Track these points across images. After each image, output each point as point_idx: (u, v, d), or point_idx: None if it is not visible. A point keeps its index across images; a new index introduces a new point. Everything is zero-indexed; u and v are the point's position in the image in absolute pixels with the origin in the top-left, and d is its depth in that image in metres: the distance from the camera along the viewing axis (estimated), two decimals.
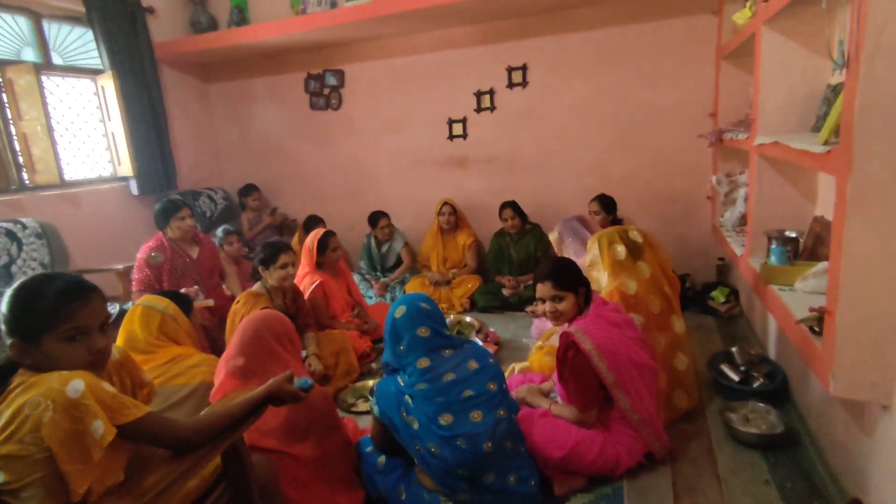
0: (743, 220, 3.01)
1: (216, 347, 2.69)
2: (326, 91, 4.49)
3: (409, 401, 1.59)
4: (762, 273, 2.07)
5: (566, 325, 1.96)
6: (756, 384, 2.25)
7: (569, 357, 1.86)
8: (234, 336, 1.73)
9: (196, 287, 2.82)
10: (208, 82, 4.79)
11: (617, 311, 2.02)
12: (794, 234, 2.21)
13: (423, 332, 1.66)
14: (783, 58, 2.25)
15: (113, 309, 3.14)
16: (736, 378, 2.29)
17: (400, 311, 1.69)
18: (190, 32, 4.39)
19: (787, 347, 2.29)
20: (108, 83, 3.81)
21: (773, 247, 2.12)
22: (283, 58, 4.50)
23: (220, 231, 3.74)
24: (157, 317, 1.98)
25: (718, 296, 3.31)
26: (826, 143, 1.53)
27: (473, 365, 1.65)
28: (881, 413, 1.40)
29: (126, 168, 3.99)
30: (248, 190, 4.45)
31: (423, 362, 1.62)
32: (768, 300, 2.03)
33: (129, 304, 2.37)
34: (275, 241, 2.68)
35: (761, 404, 2.11)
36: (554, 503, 1.77)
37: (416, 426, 1.57)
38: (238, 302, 2.50)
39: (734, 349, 2.43)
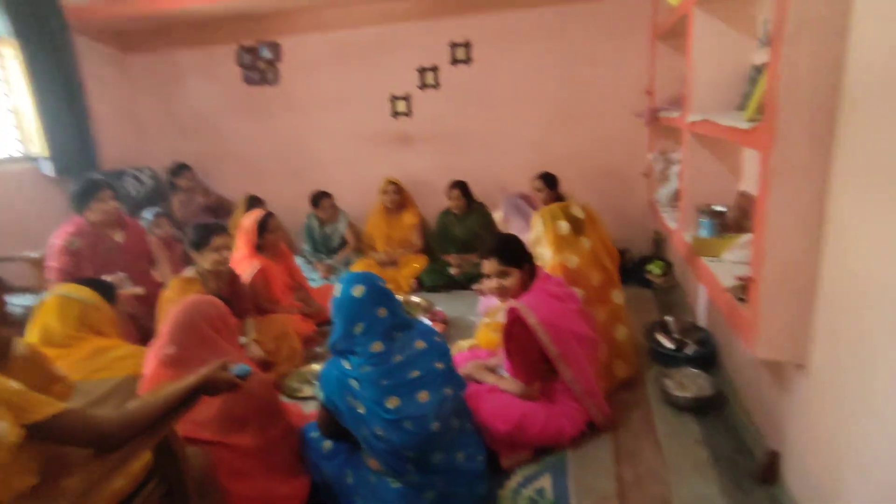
0: (676, 196, 3.14)
1: (146, 338, 2.50)
2: (262, 65, 4.25)
3: (356, 385, 1.54)
4: (693, 245, 2.17)
5: (512, 300, 1.99)
6: (689, 351, 2.38)
7: (514, 332, 1.88)
8: (165, 323, 1.62)
9: (123, 274, 2.63)
10: (129, 53, 4.41)
11: (560, 285, 2.06)
12: (721, 209, 2.32)
13: (382, 312, 1.59)
14: (713, 38, 2.32)
15: (27, 301, 2.88)
16: (670, 346, 2.42)
17: (359, 290, 1.58)
18: None
19: (716, 315, 2.43)
20: (9, 52, 3.43)
21: (702, 220, 2.22)
22: (212, 27, 4.20)
23: (148, 213, 3.50)
24: (76, 307, 1.82)
25: (655, 268, 3.46)
26: (751, 119, 1.60)
27: (420, 345, 1.63)
28: (796, 372, 1.52)
29: (38, 147, 3.63)
30: (179, 169, 4.17)
31: (377, 346, 1.56)
32: (699, 271, 2.13)
33: (45, 296, 2.17)
34: (207, 223, 2.54)
35: (694, 370, 2.24)
36: (501, 477, 1.80)
37: (361, 410, 1.53)
38: (169, 288, 2.36)
39: (669, 318, 2.56)
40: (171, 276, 2.91)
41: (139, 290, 2.57)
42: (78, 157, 3.74)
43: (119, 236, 2.79)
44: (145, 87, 4.47)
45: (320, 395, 1.61)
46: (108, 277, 2.47)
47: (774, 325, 1.44)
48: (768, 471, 1.66)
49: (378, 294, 1.61)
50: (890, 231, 1.07)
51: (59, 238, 2.66)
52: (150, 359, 1.55)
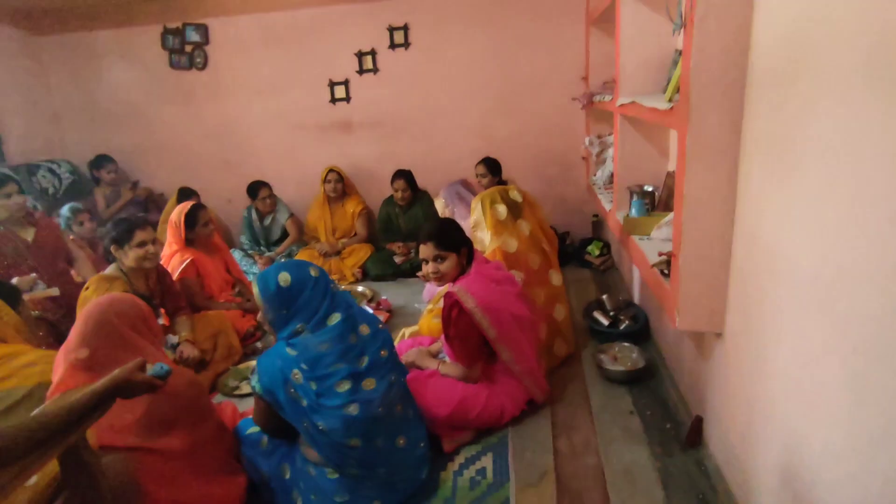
0: (612, 179, 3.23)
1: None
2: (189, 48, 4.02)
3: (298, 377, 1.49)
4: (624, 225, 2.24)
5: (450, 285, 1.98)
6: (623, 326, 2.47)
7: (453, 316, 1.88)
8: (75, 325, 1.50)
9: (33, 275, 2.43)
10: (39, 35, 4.05)
11: (498, 268, 2.08)
12: (651, 188, 2.41)
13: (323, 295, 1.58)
14: (639, 23, 2.39)
15: None
16: (606, 322, 2.50)
17: (284, 279, 1.54)
18: None
19: (647, 291, 2.54)
20: None
21: (633, 200, 2.30)
22: (133, 7, 3.91)
23: (65, 210, 3.26)
24: None
25: (594, 249, 3.57)
26: (670, 100, 1.66)
27: (365, 330, 1.60)
28: (715, 340, 1.60)
29: None
30: (101, 161, 3.90)
31: (336, 317, 1.56)
32: (630, 249, 2.21)
33: None
34: (128, 217, 2.38)
35: (627, 344, 2.32)
36: (443, 460, 1.81)
37: (304, 403, 1.49)
38: (87, 288, 2.20)
39: (605, 297, 2.64)
40: (92, 275, 2.72)
41: (53, 291, 2.39)
42: None
43: (28, 234, 2.58)
44: (59, 72, 4.13)
45: (257, 386, 1.54)
46: (16, 279, 2.28)
47: (693, 297, 1.51)
48: (693, 435, 1.75)
49: (324, 279, 1.61)
50: (791, 205, 1.13)
51: None
52: (59, 363, 1.43)
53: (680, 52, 2.16)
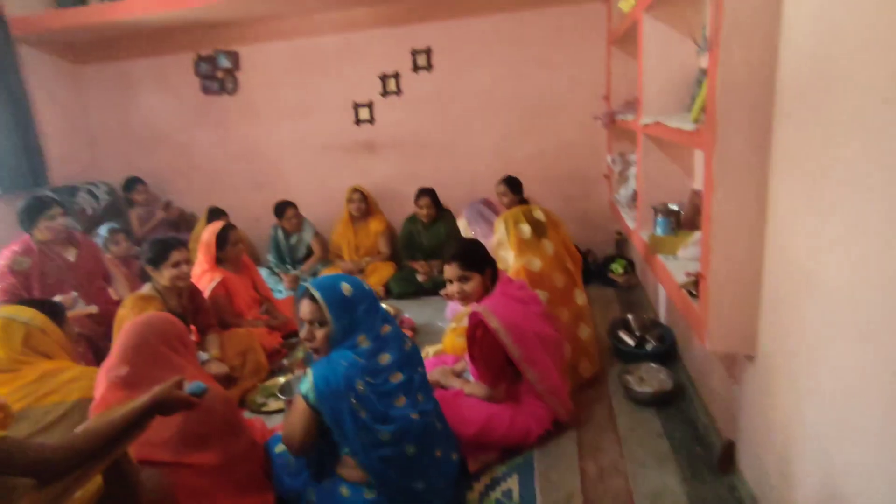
0: (635, 196, 3.22)
1: (102, 359, 2.43)
2: (220, 74, 4.18)
3: (363, 388, 1.46)
4: (650, 244, 2.23)
5: (474, 304, 2.00)
6: (649, 347, 2.44)
7: (477, 336, 1.90)
8: (116, 343, 1.57)
9: (74, 294, 2.53)
10: (80, 64, 4.28)
11: (522, 288, 2.09)
12: (676, 207, 2.39)
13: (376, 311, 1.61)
14: (662, 43, 2.41)
15: None
16: (631, 343, 2.47)
17: (348, 289, 1.56)
18: (53, 6, 3.87)
19: (674, 311, 2.51)
20: None
21: (658, 219, 2.29)
22: (167, 37, 4.11)
23: (103, 230, 3.39)
24: (20, 329, 1.74)
25: (617, 268, 3.54)
26: (696, 121, 1.66)
27: (409, 344, 1.64)
28: (747, 363, 1.57)
29: None
30: (132, 184, 4.06)
31: (386, 328, 1.57)
32: (656, 268, 2.19)
33: None
34: (164, 238, 2.47)
35: (654, 365, 2.29)
36: (469, 480, 1.81)
37: (363, 415, 1.45)
38: (125, 307, 2.28)
39: (630, 316, 2.62)
40: (127, 293, 2.82)
41: (92, 308, 2.48)
42: (24, 173, 3.60)
43: (70, 254, 2.69)
44: (98, 98, 4.34)
45: (310, 395, 1.45)
46: (59, 297, 2.38)
47: (723, 317, 1.50)
48: (725, 460, 1.71)
49: (373, 293, 1.63)
50: (824, 225, 1.12)
51: (4, 258, 2.54)
52: (101, 380, 1.49)
53: (704, 71, 2.17)
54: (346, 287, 1.56)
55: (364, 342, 1.53)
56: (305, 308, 1.56)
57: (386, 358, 1.53)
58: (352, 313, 1.53)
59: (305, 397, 1.48)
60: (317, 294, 1.54)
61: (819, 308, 1.16)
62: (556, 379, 1.97)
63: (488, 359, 1.90)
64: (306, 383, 1.49)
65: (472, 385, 2.00)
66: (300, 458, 1.65)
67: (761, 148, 1.38)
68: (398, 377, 1.53)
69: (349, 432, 1.45)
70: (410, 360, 1.60)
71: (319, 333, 1.55)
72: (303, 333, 1.59)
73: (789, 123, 1.27)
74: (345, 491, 1.56)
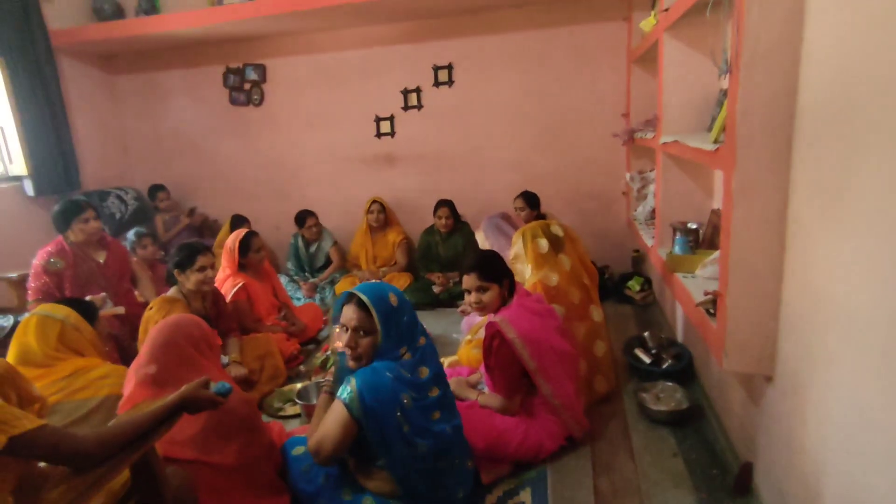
0: (653, 214, 3.23)
1: (127, 358, 2.50)
2: (247, 86, 4.31)
3: (408, 401, 1.45)
4: (668, 262, 2.24)
5: (491, 315, 2.02)
6: (665, 365, 2.43)
7: (494, 346, 1.92)
8: (146, 342, 1.63)
9: (104, 294, 2.62)
10: (115, 74, 4.45)
11: (539, 301, 2.11)
12: (694, 226, 2.40)
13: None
14: (682, 63, 2.44)
15: (6, 321, 2.85)
16: (647, 360, 2.47)
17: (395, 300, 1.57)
18: (92, 20, 4.05)
19: (691, 330, 2.50)
20: None
21: (677, 237, 2.29)
22: (198, 50, 4.27)
23: (131, 234, 3.50)
24: (55, 326, 1.82)
25: (634, 285, 3.53)
26: (716, 141, 1.68)
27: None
28: (766, 384, 1.57)
29: (19, 166, 3.63)
30: (155, 191, 4.20)
31: (423, 339, 1.58)
32: (674, 287, 2.19)
33: (25, 315, 2.16)
34: (191, 243, 2.55)
35: (670, 383, 2.28)
36: (482, 492, 1.81)
37: (406, 429, 1.44)
38: (151, 308, 2.35)
39: (646, 334, 2.61)
40: (153, 296, 2.90)
41: (120, 309, 2.56)
42: (60, 176, 3.74)
43: (101, 256, 2.79)
44: (131, 108, 4.51)
45: (353, 406, 1.40)
46: (89, 297, 2.46)
47: (741, 338, 1.50)
48: (742, 482, 1.69)
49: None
50: (844, 248, 1.13)
51: (39, 258, 2.65)
52: (131, 378, 1.55)
53: (725, 92, 2.19)
54: (392, 297, 1.54)
55: (406, 354, 1.51)
56: (351, 315, 1.52)
57: (425, 372, 1.52)
58: (398, 324, 1.51)
59: (348, 407, 1.42)
60: (367, 302, 1.50)
61: (839, 329, 1.16)
62: (571, 394, 1.98)
63: (504, 370, 1.92)
64: (348, 392, 1.43)
65: (487, 396, 2.01)
66: (319, 465, 1.60)
67: (781, 169, 1.39)
68: (435, 392, 1.53)
69: (392, 446, 1.42)
70: (443, 375, 1.61)
71: (364, 342, 1.51)
72: (344, 340, 1.53)
73: (809, 145, 1.28)
74: (369, 502, 1.54)
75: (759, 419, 1.64)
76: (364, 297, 1.52)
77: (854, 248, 1.09)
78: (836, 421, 1.19)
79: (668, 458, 1.93)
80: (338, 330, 1.59)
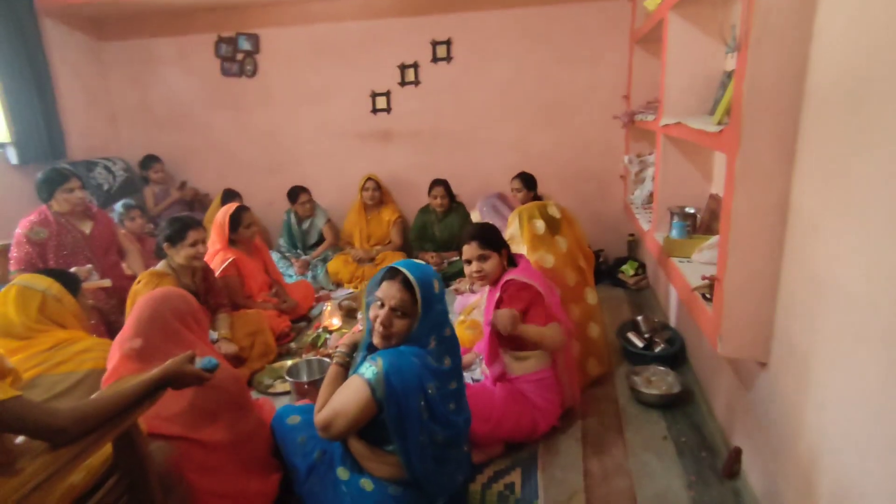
0: (651, 198, 3.20)
1: (114, 332, 2.44)
2: (240, 56, 4.19)
3: (433, 389, 1.41)
4: (664, 246, 2.21)
5: (489, 287, 2.02)
6: (658, 349, 2.43)
7: (512, 291, 1.90)
8: (130, 316, 1.58)
9: (89, 266, 2.55)
10: (102, 40, 4.29)
11: (543, 274, 2.11)
12: (692, 210, 2.37)
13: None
14: (687, 43, 2.37)
15: None
16: (640, 344, 2.46)
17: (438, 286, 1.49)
18: None
19: (684, 314, 2.49)
20: None
21: (674, 222, 2.26)
22: (189, 17, 4.12)
23: (119, 206, 3.42)
24: (36, 298, 1.77)
25: (628, 269, 3.52)
26: (719, 123, 1.64)
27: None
28: (759, 369, 1.56)
29: (1, 133, 3.52)
30: (149, 161, 4.09)
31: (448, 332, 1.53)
32: (670, 271, 2.17)
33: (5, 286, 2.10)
34: (182, 217, 2.49)
35: (662, 367, 2.28)
36: (472, 472, 1.81)
37: (425, 416, 1.40)
38: (139, 282, 2.30)
39: (640, 318, 2.61)
40: (142, 269, 2.85)
41: (106, 282, 2.51)
42: (44, 144, 3.64)
43: (87, 227, 2.72)
44: (120, 75, 4.36)
45: (379, 387, 1.34)
46: (74, 269, 2.40)
47: (737, 323, 1.48)
48: (730, 466, 1.70)
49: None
50: (847, 233, 1.11)
51: (22, 227, 2.58)
52: (115, 352, 1.51)
53: (730, 74, 2.14)
54: (436, 284, 1.47)
55: (433, 343, 1.46)
56: (394, 293, 1.43)
57: (448, 362, 1.48)
58: (435, 312, 1.45)
59: (372, 388, 1.35)
60: (416, 285, 1.42)
61: (837, 316, 1.14)
62: (572, 358, 1.98)
63: (536, 304, 1.88)
64: (373, 372, 1.36)
65: (550, 328, 1.88)
66: (324, 439, 1.50)
67: (786, 152, 1.35)
68: (453, 385, 1.50)
69: (409, 433, 1.38)
70: (461, 369, 1.58)
71: (400, 324, 1.43)
72: (382, 316, 1.43)
73: (816, 128, 1.24)
74: (367, 485, 1.49)
75: (751, 404, 1.64)
76: (412, 279, 1.43)
77: (858, 233, 1.06)
78: (830, 408, 1.18)
79: (658, 440, 1.93)
80: (375, 304, 1.49)
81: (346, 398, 1.39)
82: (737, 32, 1.47)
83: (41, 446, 1.05)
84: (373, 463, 1.49)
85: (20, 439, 1.09)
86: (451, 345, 1.53)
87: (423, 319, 1.42)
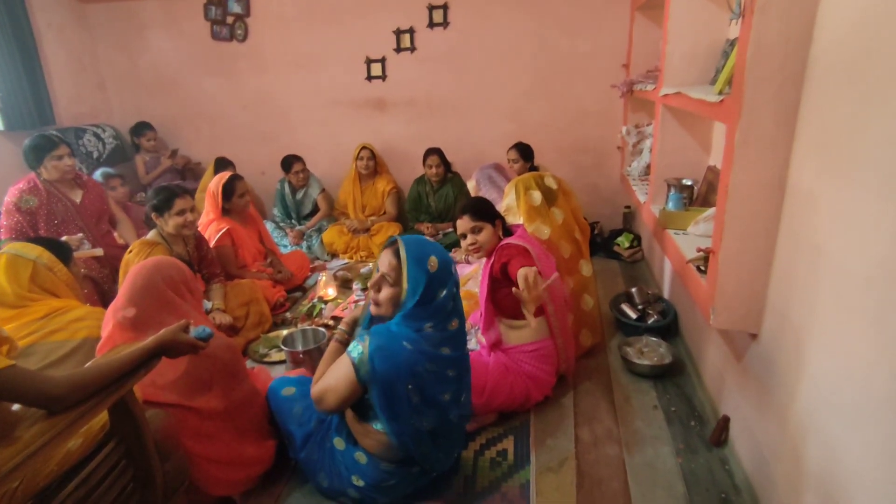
0: (648, 170, 3.17)
1: (106, 301, 2.46)
2: (230, 19, 4.05)
3: (422, 373, 1.39)
4: (660, 218, 2.20)
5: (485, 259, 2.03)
6: (650, 321, 2.45)
7: (509, 252, 1.89)
8: (124, 284, 1.57)
9: (81, 235, 2.53)
10: (87, 2, 4.14)
11: (540, 244, 2.11)
12: (689, 182, 2.36)
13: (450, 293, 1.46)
14: (690, 9, 2.31)
15: None
16: (633, 316, 2.48)
17: (434, 264, 1.42)
18: None
19: (678, 286, 2.50)
20: None
21: (671, 194, 2.25)
22: None
23: (98, 174, 3.35)
24: (27, 266, 1.75)
25: (623, 241, 3.52)
26: (720, 92, 1.61)
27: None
28: (750, 341, 1.58)
29: None
30: (141, 129, 4.01)
31: (455, 323, 1.46)
32: (665, 243, 2.17)
33: None
34: (168, 185, 2.46)
35: (654, 338, 2.31)
36: (466, 439, 1.84)
37: (416, 400, 1.39)
38: (131, 251, 2.28)
39: (633, 290, 2.62)
40: (133, 238, 2.82)
41: (98, 251, 2.49)
42: (31, 111, 3.55)
43: (77, 196, 2.68)
44: (106, 39, 4.22)
45: (363, 368, 1.35)
46: (66, 238, 2.38)
47: (731, 295, 1.49)
48: (718, 434, 1.74)
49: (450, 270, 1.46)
50: (846, 206, 1.10)
51: (11, 195, 2.53)
52: (108, 320, 1.51)
53: (732, 43, 2.09)
54: (433, 261, 1.40)
55: (429, 329, 1.41)
56: (385, 259, 1.44)
57: (447, 350, 1.45)
58: (431, 295, 1.39)
59: (356, 369, 1.36)
60: (402, 252, 1.40)
61: (831, 290, 1.15)
62: (567, 324, 2.01)
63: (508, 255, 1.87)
64: (358, 352, 1.37)
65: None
66: (326, 412, 1.52)
67: (787, 123, 1.34)
68: (451, 372, 1.47)
69: (398, 415, 1.39)
70: (464, 362, 1.54)
71: (388, 291, 1.43)
72: (372, 280, 1.46)
73: (820, 99, 1.22)
74: (361, 458, 1.52)
75: (740, 375, 1.67)
76: (401, 244, 1.42)
77: (856, 208, 1.06)
78: (819, 381, 1.20)
79: (649, 409, 1.97)
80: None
81: (335, 375, 1.42)
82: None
83: (38, 413, 1.05)
84: (364, 439, 1.51)
85: (16, 407, 1.09)
86: (451, 337, 1.45)
87: (411, 292, 1.39)
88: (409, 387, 1.37)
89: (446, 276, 1.43)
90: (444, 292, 1.42)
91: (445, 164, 3.75)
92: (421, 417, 1.42)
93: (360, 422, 1.51)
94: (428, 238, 1.59)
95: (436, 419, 1.47)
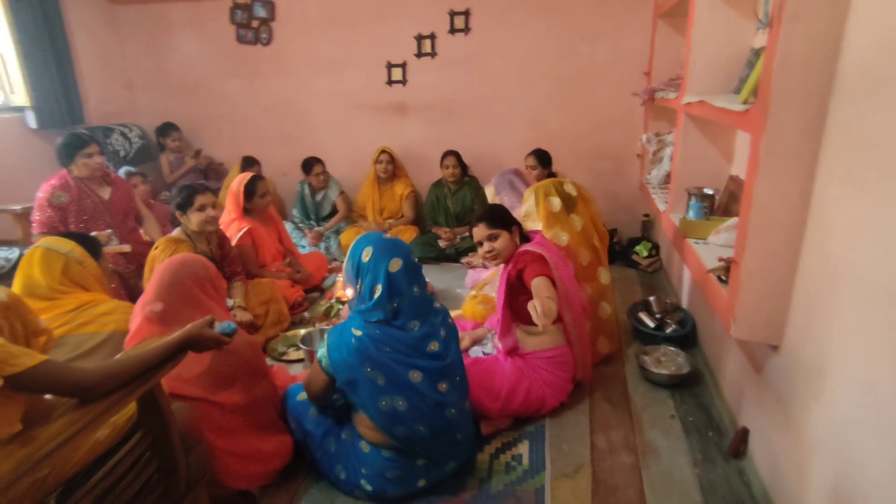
0: (668, 179, 3.15)
1: (133, 296, 2.52)
2: (255, 23, 4.14)
3: (379, 354, 1.47)
4: (680, 227, 2.19)
5: (504, 265, 2.03)
6: (669, 330, 2.43)
7: (527, 259, 1.90)
8: (152, 280, 1.62)
9: (109, 231, 2.60)
10: (117, 3, 4.26)
11: (558, 250, 2.11)
12: (711, 192, 2.34)
13: (416, 292, 1.54)
14: (715, 18, 2.30)
15: (11, 254, 2.85)
16: (651, 324, 2.47)
17: (396, 265, 1.50)
18: None
19: (697, 296, 2.48)
20: None
21: (691, 203, 2.24)
22: None
23: (121, 173, 3.43)
24: (60, 260, 1.80)
25: (642, 250, 3.50)
26: (745, 102, 1.61)
27: (442, 332, 1.59)
28: (770, 353, 1.56)
29: (21, 97, 3.54)
30: (167, 129, 4.10)
31: (414, 325, 1.53)
32: (685, 252, 2.16)
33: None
34: (189, 184, 2.53)
35: (672, 348, 2.29)
36: (480, 443, 1.85)
37: (381, 382, 1.47)
38: (157, 248, 2.34)
39: (652, 298, 2.60)
40: (159, 234, 2.89)
41: (126, 247, 2.55)
42: (62, 109, 3.66)
43: (105, 193, 2.75)
44: (135, 41, 4.34)
45: (324, 360, 1.52)
46: (95, 233, 2.45)
47: (752, 306, 1.48)
48: (736, 446, 1.72)
49: (414, 271, 1.54)
50: (872, 219, 1.09)
51: (43, 191, 2.61)
52: (136, 314, 1.55)
53: (758, 52, 2.08)
54: (367, 252, 1.52)
55: (386, 323, 1.51)
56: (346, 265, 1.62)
57: (415, 326, 1.52)
58: (391, 296, 1.50)
59: (321, 363, 1.54)
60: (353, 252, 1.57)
61: (854, 303, 1.14)
62: (585, 332, 2.01)
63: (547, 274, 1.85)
64: (321, 349, 1.55)
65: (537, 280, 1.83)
66: (321, 410, 1.70)
67: (813, 134, 1.33)
68: (414, 353, 1.51)
69: (369, 399, 1.48)
70: (459, 360, 1.60)
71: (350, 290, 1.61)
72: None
73: (847, 111, 1.21)
74: (365, 447, 1.58)
75: (760, 387, 1.65)
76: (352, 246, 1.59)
77: (881, 222, 1.05)
78: (839, 394, 1.19)
79: (666, 419, 1.95)
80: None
81: (312, 370, 1.61)
82: (769, 7, 1.42)
83: (70, 403, 1.09)
84: (360, 427, 1.60)
85: (48, 396, 1.13)
86: (417, 307, 1.52)
87: (353, 285, 1.56)
88: (368, 369, 1.46)
89: (378, 266, 1.50)
90: (408, 300, 1.51)
91: (462, 165, 3.78)
92: (393, 398, 1.48)
93: (354, 411, 1.60)
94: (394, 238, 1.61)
95: (414, 401, 1.49)
